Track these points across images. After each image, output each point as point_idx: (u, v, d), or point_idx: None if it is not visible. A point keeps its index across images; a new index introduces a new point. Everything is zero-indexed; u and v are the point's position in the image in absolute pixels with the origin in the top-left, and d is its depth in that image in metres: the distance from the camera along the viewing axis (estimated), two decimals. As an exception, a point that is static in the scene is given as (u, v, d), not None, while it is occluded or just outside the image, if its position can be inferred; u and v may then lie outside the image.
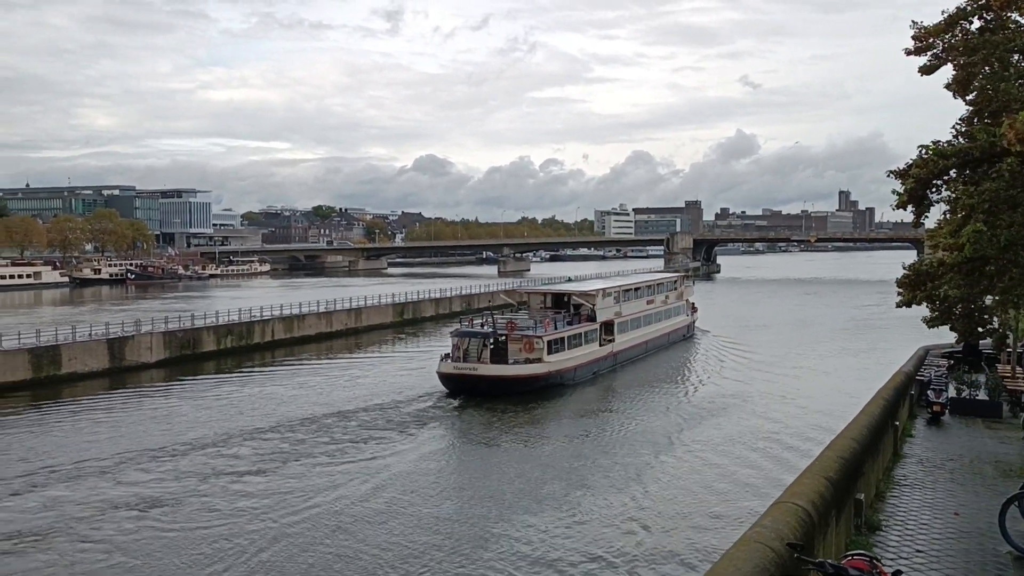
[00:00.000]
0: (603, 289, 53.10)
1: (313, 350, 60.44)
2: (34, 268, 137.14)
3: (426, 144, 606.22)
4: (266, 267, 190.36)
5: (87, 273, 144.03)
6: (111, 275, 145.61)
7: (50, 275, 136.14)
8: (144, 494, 26.10)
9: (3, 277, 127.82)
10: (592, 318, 49.56)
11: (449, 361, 42.03)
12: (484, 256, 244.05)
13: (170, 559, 21.07)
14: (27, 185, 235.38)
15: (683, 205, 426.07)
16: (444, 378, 41.54)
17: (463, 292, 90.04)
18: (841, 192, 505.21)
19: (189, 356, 53.76)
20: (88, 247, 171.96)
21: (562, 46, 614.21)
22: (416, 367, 51.45)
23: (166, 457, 30.38)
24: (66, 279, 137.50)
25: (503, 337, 42.37)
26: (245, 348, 58.13)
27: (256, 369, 52.30)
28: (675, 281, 67.99)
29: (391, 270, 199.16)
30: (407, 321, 76.82)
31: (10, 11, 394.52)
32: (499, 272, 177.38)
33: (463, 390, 40.80)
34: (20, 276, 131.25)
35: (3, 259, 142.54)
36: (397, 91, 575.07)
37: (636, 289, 58.19)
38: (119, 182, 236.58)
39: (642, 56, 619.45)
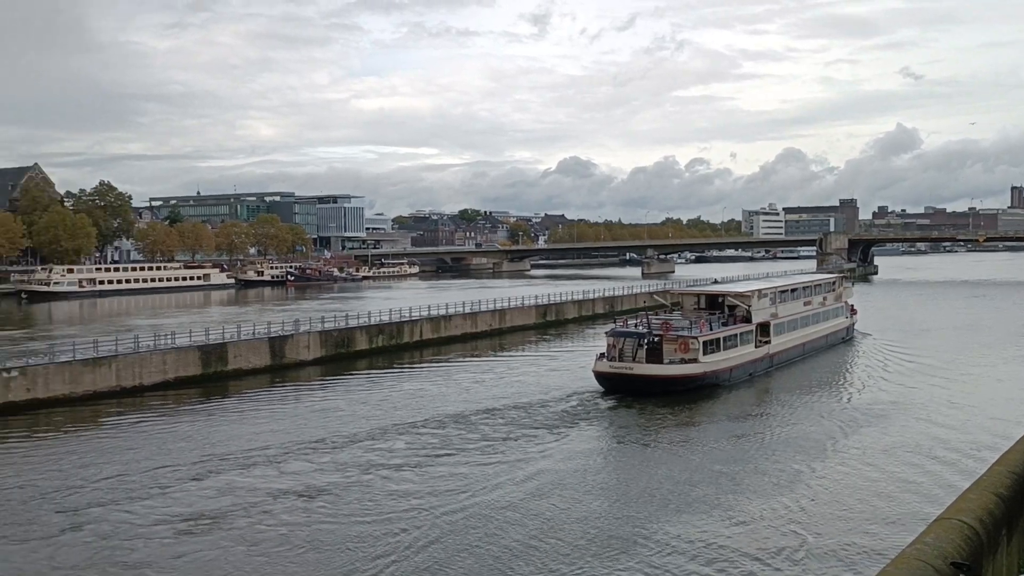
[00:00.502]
0: (759, 290, 51.79)
1: (459, 350, 61.72)
2: (204, 270, 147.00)
3: (570, 146, 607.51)
4: (415, 269, 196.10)
5: (251, 275, 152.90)
6: (272, 277, 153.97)
7: (218, 277, 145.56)
8: (308, 483, 27.54)
9: (177, 279, 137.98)
10: (748, 319, 48.60)
11: (605, 360, 42.49)
12: (627, 258, 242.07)
13: (336, 545, 22.09)
14: (198, 193, 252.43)
15: (837, 204, 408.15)
16: (600, 376, 42.17)
17: (606, 294, 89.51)
18: (1014, 188, 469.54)
19: (343, 354, 56.08)
20: (252, 250, 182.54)
21: (709, 43, 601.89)
22: (561, 367, 51.71)
23: (326, 449, 31.86)
24: (232, 281, 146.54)
25: (658, 337, 42.41)
26: (395, 347, 60.07)
27: (406, 367, 53.93)
28: (833, 282, 65.64)
29: (534, 272, 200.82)
30: (550, 323, 77.17)
31: (183, 31, 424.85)
32: (643, 274, 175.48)
33: (618, 389, 41.34)
34: (192, 278, 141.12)
35: (177, 262, 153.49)
36: (541, 94, 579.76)
37: (793, 290, 56.50)
38: (280, 189, 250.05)
39: (793, 50, 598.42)
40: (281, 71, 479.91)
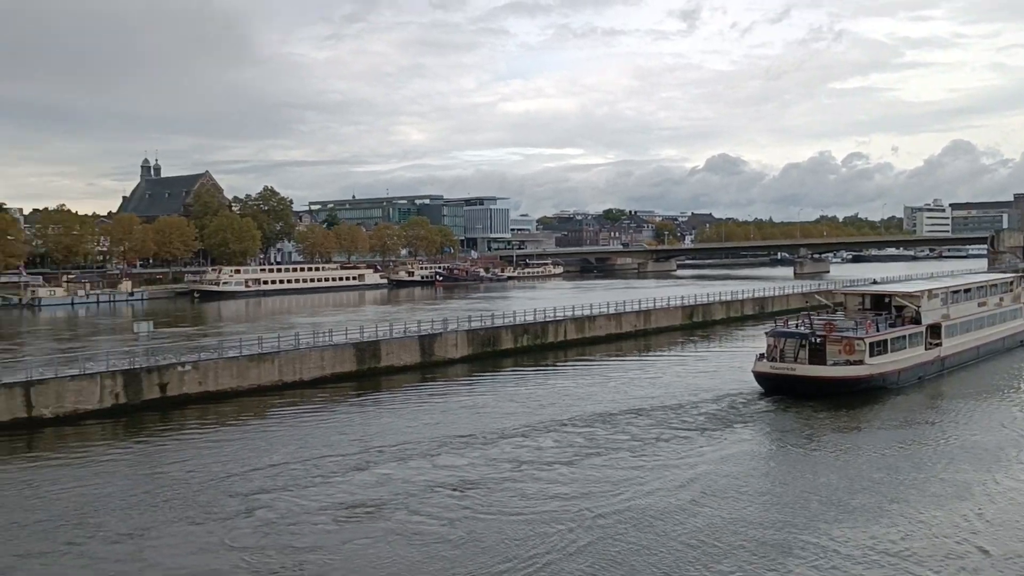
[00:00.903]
0: (929, 290, 49.07)
1: (603, 350, 61.46)
2: (359, 271, 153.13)
3: (717, 143, 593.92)
4: (559, 269, 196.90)
5: (402, 275, 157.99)
6: (422, 277, 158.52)
7: (371, 277, 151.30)
8: (462, 477, 28.25)
9: (334, 279, 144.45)
10: (916, 320, 46.29)
11: (765, 360, 41.71)
12: (779, 257, 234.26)
13: (493, 540, 22.54)
14: (353, 196, 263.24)
15: (1011, 199, 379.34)
16: (760, 377, 41.56)
17: (756, 295, 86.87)
18: None
19: (489, 353, 57.00)
20: (403, 251, 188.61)
21: (869, 32, 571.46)
22: (710, 369, 50.63)
23: (477, 444, 32.59)
24: (384, 281, 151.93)
25: (821, 338, 41.25)
26: (539, 347, 60.50)
27: (550, 367, 54.19)
28: (1010, 282, 61.46)
29: (680, 272, 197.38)
30: (696, 324, 75.62)
31: (340, 42, 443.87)
32: (795, 274, 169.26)
33: (779, 390, 40.58)
34: (347, 278, 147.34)
35: (334, 263, 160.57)
36: (688, 91, 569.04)
37: (966, 290, 53.24)
38: (429, 192, 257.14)
39: (961, 36, 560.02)
40: (431, 77, 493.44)
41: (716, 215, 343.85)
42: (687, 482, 27.24)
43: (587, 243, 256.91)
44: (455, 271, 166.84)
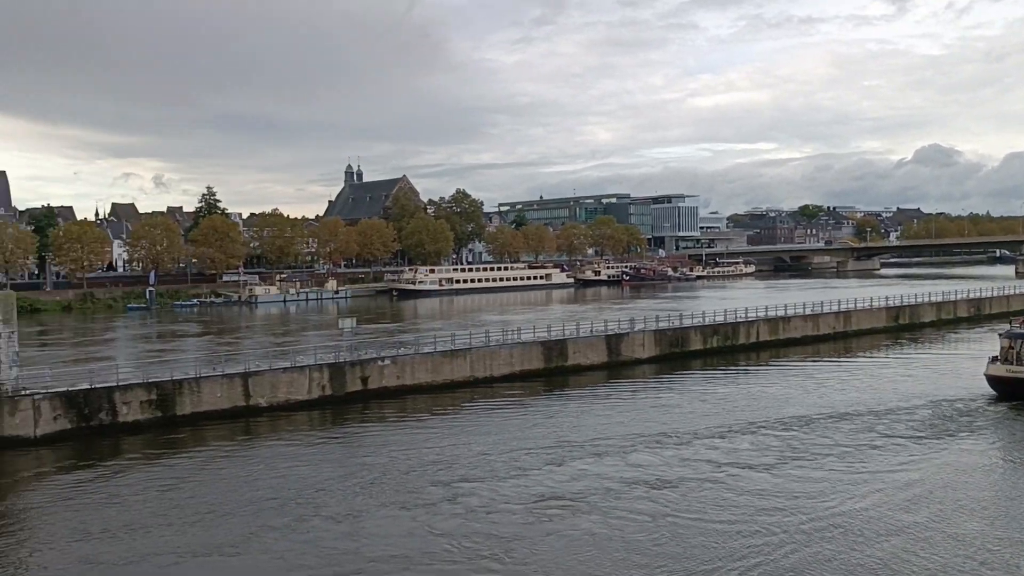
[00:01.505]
0: None
1: (799, 353, 58.84)
2: (546, 270, 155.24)
3: (927, 133, 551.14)
4: (751, 268, 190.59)
5: (588, 275, 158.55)
6: (608, 276, 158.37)
7: (558, 276, 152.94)
8: (657, 475, 28.17)
9: (522, 278, 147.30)
10: None
11: (999, 363, 39.29)
12: (997, 255, 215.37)
13: (694, 539, 22.36)
14: (540, 197, 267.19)
15: None
16: (994, 381, 39.28)
17: (971, 295, 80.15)
18: None
19: (677, 354, 56.04)
20: (590, 251, 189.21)
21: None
22: (922, 373, 47.64)
23: (670, 443, 32.37)
24: (571, 280, 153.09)
25: None
26: (730, 348, 58.81)
27: (742, 368, 52.58)
28: None
29: (884, 271, 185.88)
30: (902, 326, 70.77)
31: (529, 45, 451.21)
32: (1016, 273, 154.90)
33: (1016, 395, 38.15)
34: (535, 277, 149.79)
35: (522, 263, 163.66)
36: (893, 79, 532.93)
37: None
38: (616, 191, 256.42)
39: None
40: (619, 76, 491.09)
41: (925, 210, 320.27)
42: (901, 492, 25.78)
43: (781, 241, 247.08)
44: (642, 270, 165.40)
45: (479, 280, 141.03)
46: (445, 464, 30.24)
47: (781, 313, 64.33)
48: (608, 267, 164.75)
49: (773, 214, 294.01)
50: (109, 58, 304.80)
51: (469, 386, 45.73)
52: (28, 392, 34.60)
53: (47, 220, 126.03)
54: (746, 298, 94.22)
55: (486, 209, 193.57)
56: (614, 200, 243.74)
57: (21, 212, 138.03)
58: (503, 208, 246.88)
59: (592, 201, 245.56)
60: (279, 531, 23.91)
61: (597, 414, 38.82)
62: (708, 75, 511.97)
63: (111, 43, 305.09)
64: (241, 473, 30.05)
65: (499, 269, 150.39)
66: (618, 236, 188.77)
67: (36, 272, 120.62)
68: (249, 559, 22.21)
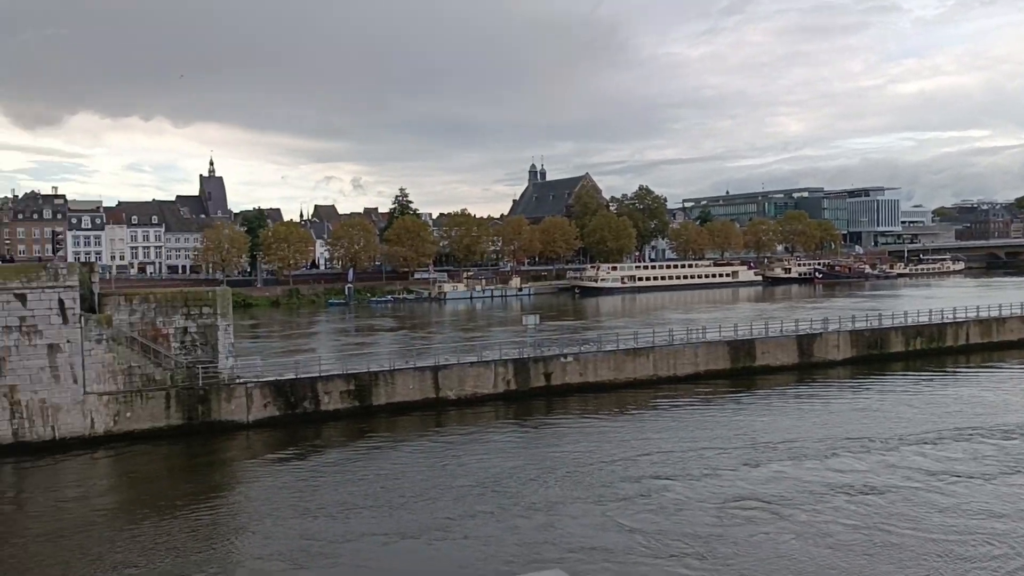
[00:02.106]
0: None
1: (1016, 356, 54.00)
2: (732, 268, 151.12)
3: None
4: (959, 265, 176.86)
5: (778, 272, 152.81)
6: (800, 274, 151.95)
7: (745, 274, 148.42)
8: (863, 481, 27.11)
9: (706, 276, 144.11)
10: None
11: None
12: None
13: (914, 551, 21.39)
14: (727, 192, 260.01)
15: None
16: None
17: None
18: None
19: (875, 356, 52.90)
20: (779, 247, 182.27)
21: None
22: None
23: (875, 448, 31.02)
24: (759, 278, 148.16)
25: None
26: (935, 351, 54.83)
27: (949, 372, 49.01)
28: None
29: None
30: None
31: (716, 36, 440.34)
32: None
33: None
34: (720, 275, 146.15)
35: (707, 260, 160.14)
36: None
37: None
38: (808, 184, 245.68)
39: None
40: (811, 64, 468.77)
41: None
42: None
43: (994, 236, 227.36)
44: (836, 268, 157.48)
45: (662, 278, 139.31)
46: (634, 460, 30.39)
47: (995, 314, 59.28)
48: (799, 264, 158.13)
49: (985, 207, 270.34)
50: (313, 71, 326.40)
51: (652, 385, 45.32)
52: (242, 381, 37.71)
53: (258, 221, 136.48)
54: (954, 297, 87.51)
55: (669, 205, 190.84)
56: (806, 194, 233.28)
57: (236, 214, 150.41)
58: (687, 204, 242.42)
59: (782, 195, 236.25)
60: (481, 517, 24.86)
61: (790, 416, 37.70)
62: (912, 59, 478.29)
63: (315, 58, 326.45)
64: (437, 461, 31.43)
65: (683, 266, 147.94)
66: (810, 232, 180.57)
67: (248, 270, 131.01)
68: (455, 543, 23.20)
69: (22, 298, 33.77)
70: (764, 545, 22.00)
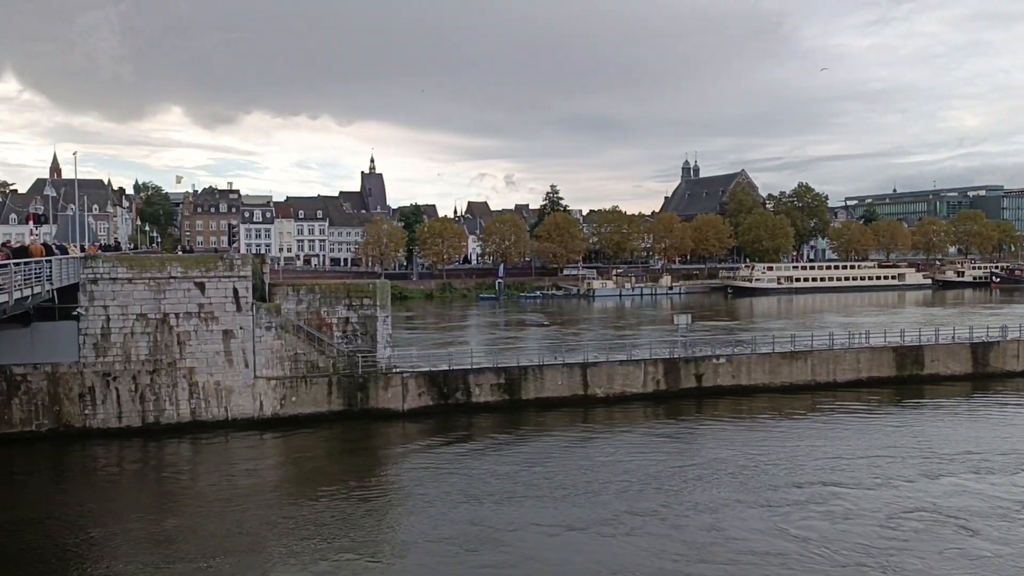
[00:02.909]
0: None
1: None
2: (898, 270, 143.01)
3: None
4: None
5: (949, 275, 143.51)
6: (974, 278, 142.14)
7: (913, 277, 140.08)
8: None
9: (870, 278, 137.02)
10: None
11: None
12: None
13: None
14: (894, 190, 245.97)
15: None
16: None
17: None
18: None
19: (1062, 368, 48.84)
20: (951, 249, 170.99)
21: None
22: None
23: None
24: (928, 281, 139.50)
25: None
26: None
27: None
28: None
29: None
30: None
31: (885, 26, 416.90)
32: None
33: None
34: (886, 277, 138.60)
35: (870, 261, 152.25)
36: None
37: None
38: (986, 182, 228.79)
39: None
40: (990, 54, 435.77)
41: None
42: None
43: None
44: (1016, 272, 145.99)
45: (821, 279, 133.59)
46: (800, 466, 29.61)
47: None
48: (974, 267, 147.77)
49: None
50: (468, 70, 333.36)
51: (809, 390, 43.63)
52: (398, 370, 39.06)
53: (414, 217, 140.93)
54: None
55: (831, 204, 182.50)
56: (983, 193, 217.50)
57: (394, 210, 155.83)
58: (850, 203, 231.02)
59: (956, 194, 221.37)
60: (645, 516, 24.76)
61: (968, 427, 35.64)
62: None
63: (470, 56, 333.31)
64: (594, 456, 31.58)
65: (844, 267, 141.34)
66: (987, 233, 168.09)
67: (404, 264, 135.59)
68: (622, 539, 23.17)
69: (201, 286, 36.30)
70: (957, 561, 20.95)
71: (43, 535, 23.77)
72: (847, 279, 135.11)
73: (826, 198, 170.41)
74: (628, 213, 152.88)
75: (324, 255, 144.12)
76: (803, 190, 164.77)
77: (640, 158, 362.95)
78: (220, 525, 24.59)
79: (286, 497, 27.46)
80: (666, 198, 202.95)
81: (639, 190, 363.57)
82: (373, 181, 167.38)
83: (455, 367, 40.18)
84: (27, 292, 27.82)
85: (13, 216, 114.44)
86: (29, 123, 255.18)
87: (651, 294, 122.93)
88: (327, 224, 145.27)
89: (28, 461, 32.07)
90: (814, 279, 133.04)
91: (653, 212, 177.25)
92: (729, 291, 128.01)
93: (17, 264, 27.02)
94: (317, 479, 29.44)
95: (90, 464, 31.82)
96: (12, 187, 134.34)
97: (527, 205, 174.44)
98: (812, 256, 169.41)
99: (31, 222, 58.36)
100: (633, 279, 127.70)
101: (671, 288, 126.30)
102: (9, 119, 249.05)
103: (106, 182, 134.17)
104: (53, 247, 34.40)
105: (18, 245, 33.67)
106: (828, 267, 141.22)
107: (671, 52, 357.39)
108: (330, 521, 24.76)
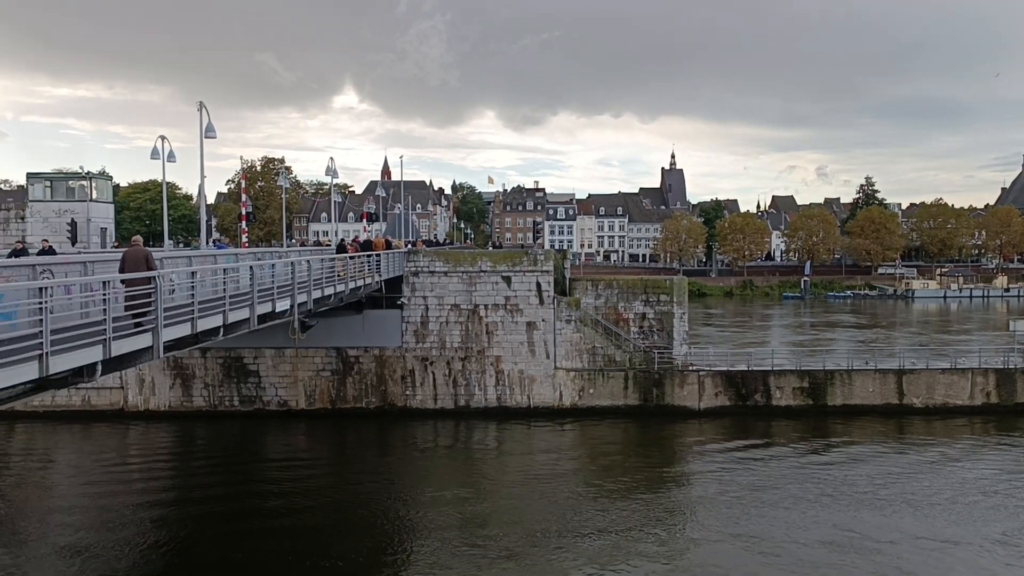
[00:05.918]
0: None
1: None
2: None
3: None
4: None
5: None
6: None
7: None
8: None
9: None
10: None
11: None
12: None
13: None
14: None
15: None
16: None
17: None
18: None
19: None
20: None
21: None
22: None
23: None
24: None
25: None
26: None
27: None
28: None
29: None
30: None
31: None
32: None
33: None
34: None
35: None
36: None
37: None
38: None
39: None
40: None
41: None
42: None
43: None
44: None
45: None
46: None
47: None
48: None
49: None
50: (775, 58, 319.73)
51: None
52: (694, 368, 38.57)
53: (715, 212, 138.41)
54: None
55: None
56: None
57: (694, 205, 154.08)
58: None
59: None
60: (993, 542, 22.56)
61: None
62: None
63: (778, 45, 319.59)
64: (926, 469, 29.45)
65: None
66: None
67: (704, 260, 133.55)
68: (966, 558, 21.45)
69: (508, 280, 38.42)
70: None
71: (379, 508, 26.33)
72: None
73: None
74: (956, 206, 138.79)
75: (623, 251, 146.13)
76: None
77: (972, 144, 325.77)
78: (524, 512, 25.61)
79: (580, 482, 28.31)
80: (1003, 189, 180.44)
81: (970, 181, 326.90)
82: (673, 176, 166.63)
83: (754, 367, 38.88)
84: (360, 283, 31.26)
85: (351, 215, 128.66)
86: (365, 130, 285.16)
87: (982, 296, 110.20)
88: (626, 220, 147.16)
89: (359, 435, 36.01)
90: None
91: (987, 205, 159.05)
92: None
93: (352, 258, 30.67)
94: (612, 470, 30.03)
95: (410, 440, 34.93)
96: (351, 188, 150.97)
97: (838, 199, 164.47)
98: None
99: (364, 220, 65.42)
100: (961, 279, 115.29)
101: (1007, 290, 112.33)
102: (349, 127, 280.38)
103: (428, 183, 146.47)
104: (390, 241, 38.69)
105: (365, 239, 38.39)
106: None
107: (1013, 28, 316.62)
108: (630, 515, 24.98)
